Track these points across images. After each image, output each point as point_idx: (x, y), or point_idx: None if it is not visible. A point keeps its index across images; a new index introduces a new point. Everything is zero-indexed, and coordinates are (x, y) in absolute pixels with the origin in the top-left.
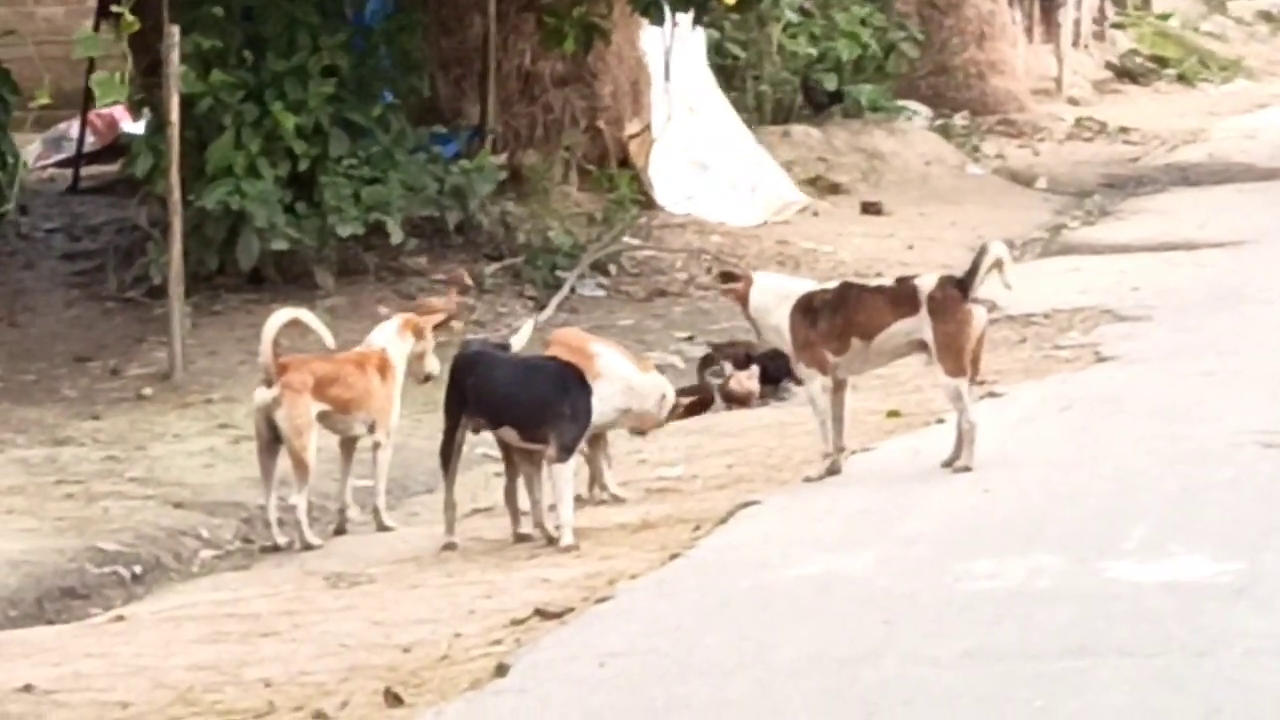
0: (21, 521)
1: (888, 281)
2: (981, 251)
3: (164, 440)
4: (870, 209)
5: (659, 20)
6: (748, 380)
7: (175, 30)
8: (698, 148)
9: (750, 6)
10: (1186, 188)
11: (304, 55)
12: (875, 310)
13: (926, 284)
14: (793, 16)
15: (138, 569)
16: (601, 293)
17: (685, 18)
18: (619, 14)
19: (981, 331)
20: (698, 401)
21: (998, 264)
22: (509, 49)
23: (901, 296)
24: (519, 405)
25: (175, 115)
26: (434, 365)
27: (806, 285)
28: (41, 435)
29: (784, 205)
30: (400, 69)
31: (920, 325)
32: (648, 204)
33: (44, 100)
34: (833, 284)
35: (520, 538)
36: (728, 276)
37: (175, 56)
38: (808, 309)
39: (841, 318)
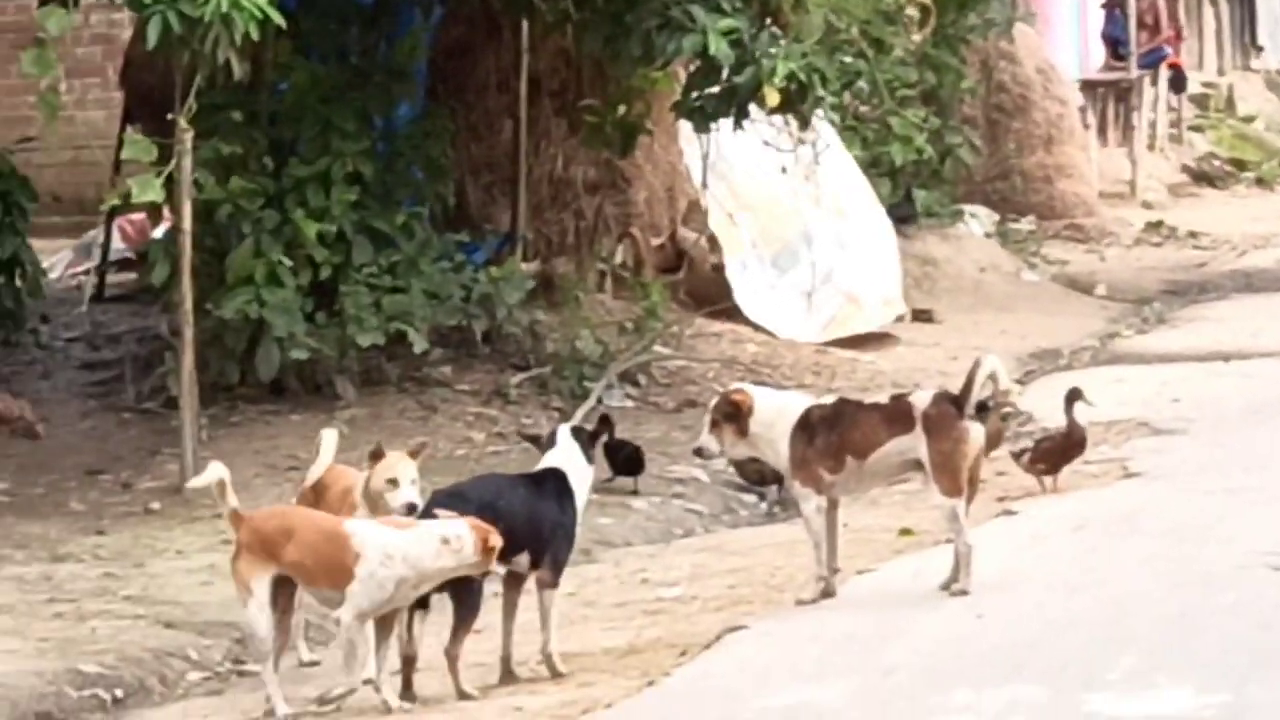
0: (5, 642)
1: (883, 398)
2: (975, 366)
3: (165, 556)
4: (921, 316)
5: (703, 126)
6: None
7: (188, 135)
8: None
9: (793, 107)
10: (1250, 294)
11: (327, 161)
12: (870, 428)
13: (921, 400)
14: (834, 117)
15: (119, 692)
16: (630, 403)
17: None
18: (654, 119)
19: (979, 449)
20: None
21: (992, 377)
22: (540, 155)
23: (896, 414)
24: None
25: (188, 222)
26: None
27: (804, 400)
28: (42, 551)
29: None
30: (427, 176)
31: (915, 443)
32: (687, 310)
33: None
34: (829, 399)
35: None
36: (729, 402)
37: (188, 163)
38: (805, 425)
39: (837, 435)
